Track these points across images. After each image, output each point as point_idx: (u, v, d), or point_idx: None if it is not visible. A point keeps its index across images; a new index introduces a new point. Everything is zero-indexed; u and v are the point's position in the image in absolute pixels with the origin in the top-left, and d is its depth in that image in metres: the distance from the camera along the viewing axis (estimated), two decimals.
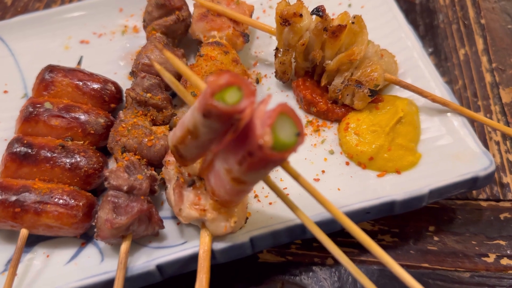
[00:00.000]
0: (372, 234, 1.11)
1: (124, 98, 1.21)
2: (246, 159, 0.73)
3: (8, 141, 1.16)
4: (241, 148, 0.73)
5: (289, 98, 1.27)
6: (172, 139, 0.87)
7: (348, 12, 1.14)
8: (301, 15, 1.12)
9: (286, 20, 1.12)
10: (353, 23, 1.11)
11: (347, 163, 1.13)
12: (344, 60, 1.13)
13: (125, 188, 0.97)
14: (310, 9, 1.16)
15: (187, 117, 0.80)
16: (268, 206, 1.06)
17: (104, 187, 1.10)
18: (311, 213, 0.99)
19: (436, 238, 1.11)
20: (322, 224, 0.99)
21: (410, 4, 1.60)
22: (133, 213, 0.95)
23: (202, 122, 0.74)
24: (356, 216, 0.99)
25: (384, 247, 1.06)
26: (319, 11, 1.10)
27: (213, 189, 0.89)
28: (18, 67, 1.35)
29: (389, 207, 1.02)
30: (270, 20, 1.36)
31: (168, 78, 0.85)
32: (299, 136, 0.71)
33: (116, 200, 0.96)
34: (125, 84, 1.27)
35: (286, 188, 1.09)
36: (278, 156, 0.70)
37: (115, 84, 1.22)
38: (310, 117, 1.22)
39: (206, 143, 0.80)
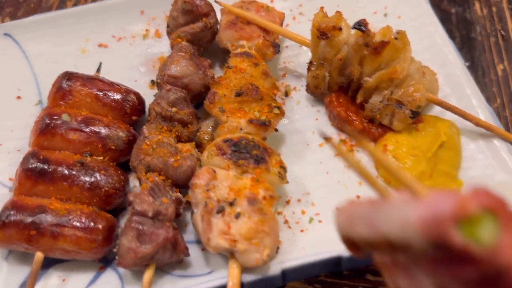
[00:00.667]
0: None
1: (147, 110, 1.13)
2: None
3: (21, 151, 1.09)
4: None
5: (320, 114, 1.19)
6: (350, 231, 0.60)
7: (391, 27, 1.06)
8: (340, 29, 1.04)
9: (324, 33, 1.04)
10: (396, 38, 1.03)
11: None
12: (385, 77, 1.05)
13: (150, 214, 0.90)
14: None
15: (387, 220, 0.52)
16: (300, 233, 1.00)
17: (124, 205, 1.04)
18: None
19: None
20: None
21: (445, 14, 1.51)
22: (158, 241, 0.88)
23: (420, 246, 0.48)
24: None
25: None
26: (361, 25, 1.02)
27: None
28: (32, 71, 1.26)
29: None
30: (300, 28, 1.27)
31: (353, 162, 0.61)
32: None
33: (141, 227, 0.89)
34: (146, 93, 1.19)
35: (318, 214, 1.03)
36: None
37: (137, 95, 1.14)
38: (343, 136, 1.15)
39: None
